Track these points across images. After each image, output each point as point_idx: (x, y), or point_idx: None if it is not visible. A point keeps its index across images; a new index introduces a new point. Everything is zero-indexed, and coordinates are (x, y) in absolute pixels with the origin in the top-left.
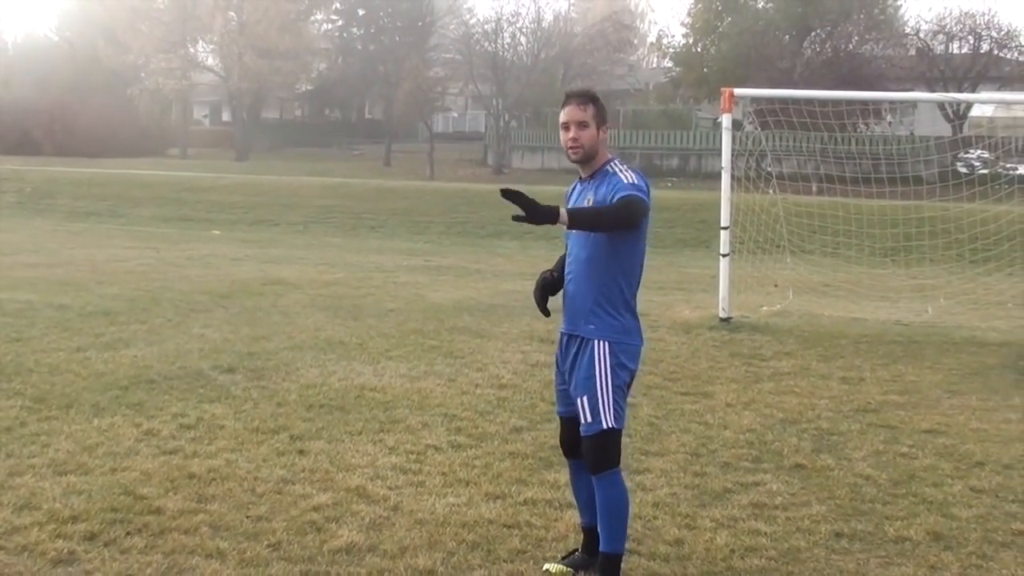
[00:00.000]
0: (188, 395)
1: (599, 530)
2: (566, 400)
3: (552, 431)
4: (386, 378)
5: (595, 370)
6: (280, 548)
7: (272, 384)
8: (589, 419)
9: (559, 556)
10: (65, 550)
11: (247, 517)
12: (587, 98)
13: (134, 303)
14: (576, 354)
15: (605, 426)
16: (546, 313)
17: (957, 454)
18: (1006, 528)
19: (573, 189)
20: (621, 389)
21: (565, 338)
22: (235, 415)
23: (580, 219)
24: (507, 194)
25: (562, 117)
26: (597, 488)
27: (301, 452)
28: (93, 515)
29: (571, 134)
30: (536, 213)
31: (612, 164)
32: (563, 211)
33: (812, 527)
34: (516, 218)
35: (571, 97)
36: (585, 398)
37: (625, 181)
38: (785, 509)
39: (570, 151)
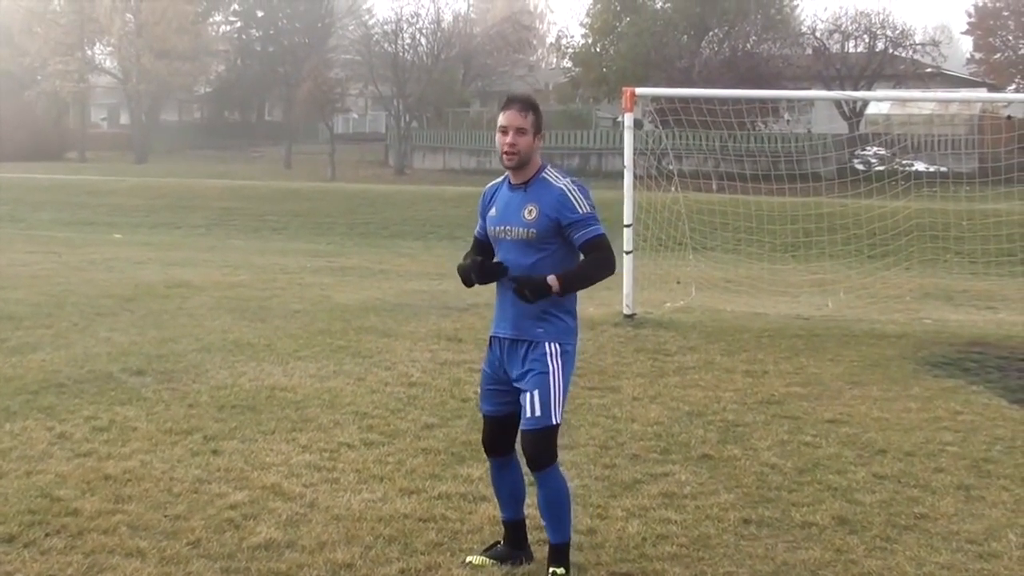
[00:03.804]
0: (99, 398)
1: (545, 524)
2: (495, 400)
3: (464, 427)
4: (296, 378)
5: (548, 367)
6: (199, 546)
7: (182, 386)
8: (538, 413)
9: (477, 548)
10: None
11: (165, 516)
12: (528, 105)
13: (38, 308)
14: (526, 355)
15: (553, 421)
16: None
17: (860, 442)
18: (908, 512)
19: (495, 192)
20: (568, 387)
21: (507, 342)
22: (147, 417)
23: (573, 285)
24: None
25: (501, 120)
26: (540, 484)
27: (215, 452)
28: (11, 517)
29: (509, 139)
30: (535, 293)
31: (547, 172)
32: (555, 282)
33: (721, 514)
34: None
35: (513, 102)
36: (537, 392)
37: (580, 210)
38: (694, 498)
39: (506, 156)
